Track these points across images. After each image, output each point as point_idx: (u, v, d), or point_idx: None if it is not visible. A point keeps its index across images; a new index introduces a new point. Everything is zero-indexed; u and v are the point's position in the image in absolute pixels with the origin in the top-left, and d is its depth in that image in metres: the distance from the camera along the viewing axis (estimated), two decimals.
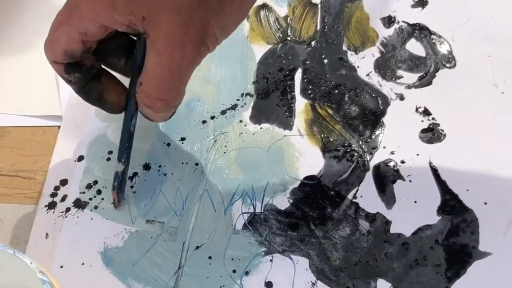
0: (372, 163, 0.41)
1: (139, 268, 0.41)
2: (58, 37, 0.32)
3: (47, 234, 0.44)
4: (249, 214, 0.41)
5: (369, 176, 0.40)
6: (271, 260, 0.39)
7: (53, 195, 0.46)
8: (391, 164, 0.40)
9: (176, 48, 0.29)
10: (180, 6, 0.28)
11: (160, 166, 0.46)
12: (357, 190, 0.40)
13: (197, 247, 0.41)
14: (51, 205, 0.46)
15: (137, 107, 0.37)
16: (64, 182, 0.47)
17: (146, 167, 0.46)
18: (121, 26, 0.30)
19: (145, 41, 0.31)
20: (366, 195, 0.40)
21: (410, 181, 0.39)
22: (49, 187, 0.47)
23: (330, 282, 0.37)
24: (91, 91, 0.36)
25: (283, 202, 0.41)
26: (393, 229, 0.38)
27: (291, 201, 0.41)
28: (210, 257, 0.40)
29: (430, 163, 0.39)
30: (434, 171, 0.39)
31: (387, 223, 0.38)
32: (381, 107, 0.43)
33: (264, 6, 0.51)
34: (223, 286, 0.39)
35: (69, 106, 0.51)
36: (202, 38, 0.29)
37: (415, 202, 0.38)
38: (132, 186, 0.45)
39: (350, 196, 0.40)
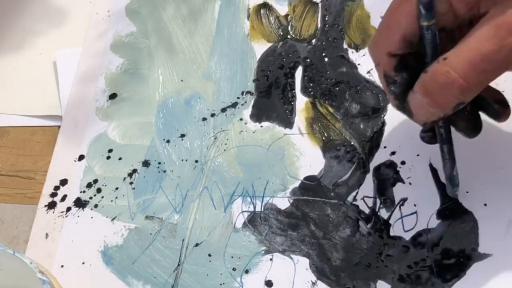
0: (372, 165, 0.40)
1: (139, 266, 0.41)
2: (396, 20, 0.29)
3: (47, 234, 0.45)
4: (249, 213, 0.41)
5: (369, 178, 0.40)
6: (271, 259, 0.39)
7: (53, 195, 0.46)
8: (391, 166, 0.40)
9: None
10: None
11: (159, 163, 0.46)
12: (357, 193, 0.40)
13: (197, 244, 0.41)
14: (51, 205, 0.46)
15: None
16: (64, 182, 0.47)
17: (146, 163, 0.46)
18: (463, 7, 0.28)
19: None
20: (366, 198, 0.39)
21: (410, 183, 0.39)
22: (49, 187, 0.47)
23: (330, 282, 0.37)
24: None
25: (283, 201, 0.41)
26: (393, 232, 0.38)
27: (291, 201, 0.41)
28: (209, 255, 0.41)
29: (430, 165, 0.39)
30: (434, 172, 0.39)
31: (387, 226, 0.38)
32: (382, 104, 0.43)
33: (265, 4, 0.51)
34: (223, 283, 0.39)
35: (69, 106, 0.51)
36: None
37: (415, 205, 0.38)
38: (131, 183, 0.45)
39: (350, 198, 0.40)
